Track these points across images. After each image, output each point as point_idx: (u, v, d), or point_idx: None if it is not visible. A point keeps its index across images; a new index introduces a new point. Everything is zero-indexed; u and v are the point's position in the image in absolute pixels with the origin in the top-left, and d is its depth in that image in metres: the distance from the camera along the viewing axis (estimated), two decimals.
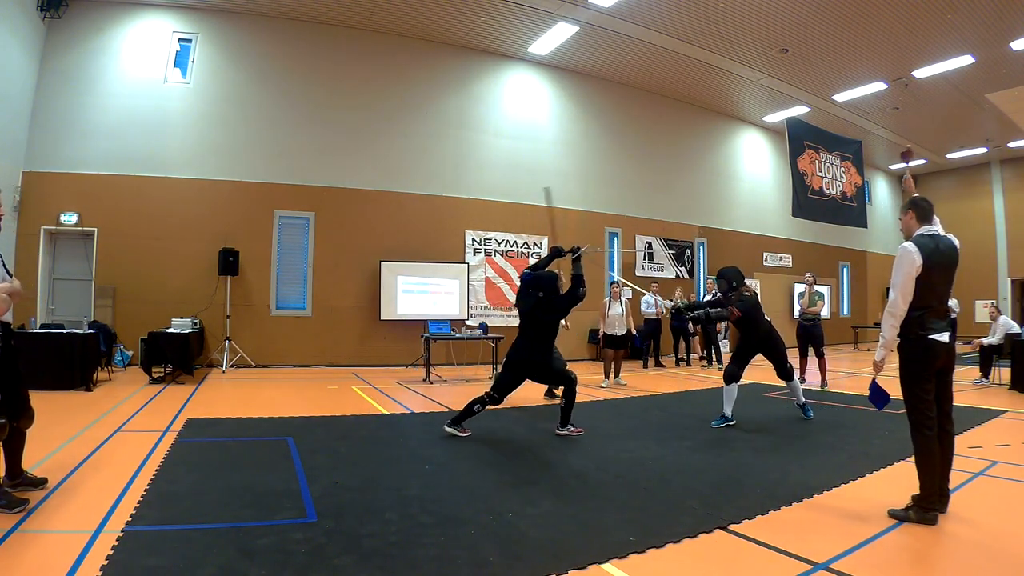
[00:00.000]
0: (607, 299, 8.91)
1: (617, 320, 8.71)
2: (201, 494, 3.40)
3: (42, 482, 3.41)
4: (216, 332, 9.96)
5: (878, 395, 3.43)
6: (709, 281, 12.85)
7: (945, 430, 3.21)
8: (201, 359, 9.59)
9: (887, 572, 2.61)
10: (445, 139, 12.20)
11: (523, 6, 10.81)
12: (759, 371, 11.62)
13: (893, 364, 3.32)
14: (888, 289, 3.23)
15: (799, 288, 16.99)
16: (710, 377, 10.19)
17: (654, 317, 11.57)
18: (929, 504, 3.10)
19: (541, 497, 3.48)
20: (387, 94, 11.69)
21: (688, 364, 12.21)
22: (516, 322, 12.87)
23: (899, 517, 3.15)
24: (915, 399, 3.17)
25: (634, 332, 9.22)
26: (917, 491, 3.14)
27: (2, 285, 3.14)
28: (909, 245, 3.19)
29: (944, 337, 3.18)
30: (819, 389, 8.25)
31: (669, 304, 9.50)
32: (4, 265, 3.33)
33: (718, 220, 16.22)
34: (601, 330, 8.93)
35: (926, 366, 3.16)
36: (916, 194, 3.58)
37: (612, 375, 8.85)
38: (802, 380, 8.28)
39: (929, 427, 3.13)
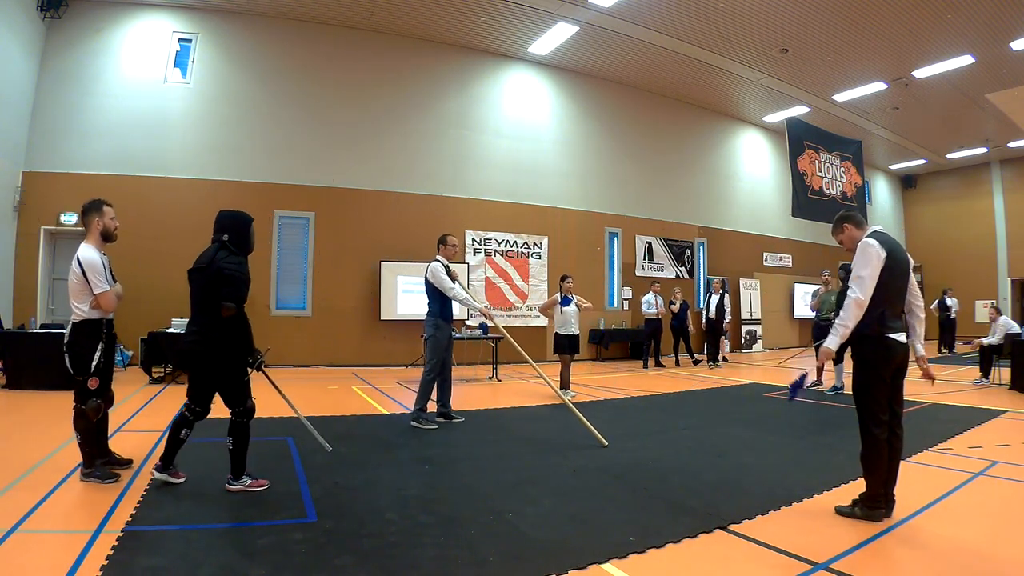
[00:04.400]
0: (558, 294, 7.70)
1: (573, 317, 7.61)
2: (201, 494, 3.40)
3: (127, 463, 3.90)
4: None
5: (799, 386, 3.69)
6: (716, 281, 12.82)
7: (895, 434, 3.18)
8: None
9: (887, 572, 2.61)
10: (445, 139, 12.20)
11: (523, 6, 10.81)
12: (760, 371, 11.66)
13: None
14: (848, 284, 3.22)
15: (810, 288, 16.99)
16: (710, 377, 10.19)
17: (655, 317, 11.56)
18: (875, 503, 3.10)
19: (541, 497, 3.48)
20: (387, 94, 11.70)
21: (695, 363, 12.19)
22: (516, 322, 12.86)
23: (845, 513, 3.17)
24: (867, 399, 3.15)
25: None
26: (878, 490, 3.13)
27: (116, 287, 3.82)
28: (870, 239, 3.18)
29: (902, 337, 3.16)
30: (827, 391, 8.11)
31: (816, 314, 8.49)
32: (111, 271, 3.84)
33: (718, 220, 16.23)
34: (553, 330, 7.74)
35: (884, 366, 3.13)
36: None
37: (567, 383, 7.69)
38: (818, 383, 8.28)
39: (879, 429, 3.11)
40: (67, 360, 3.61)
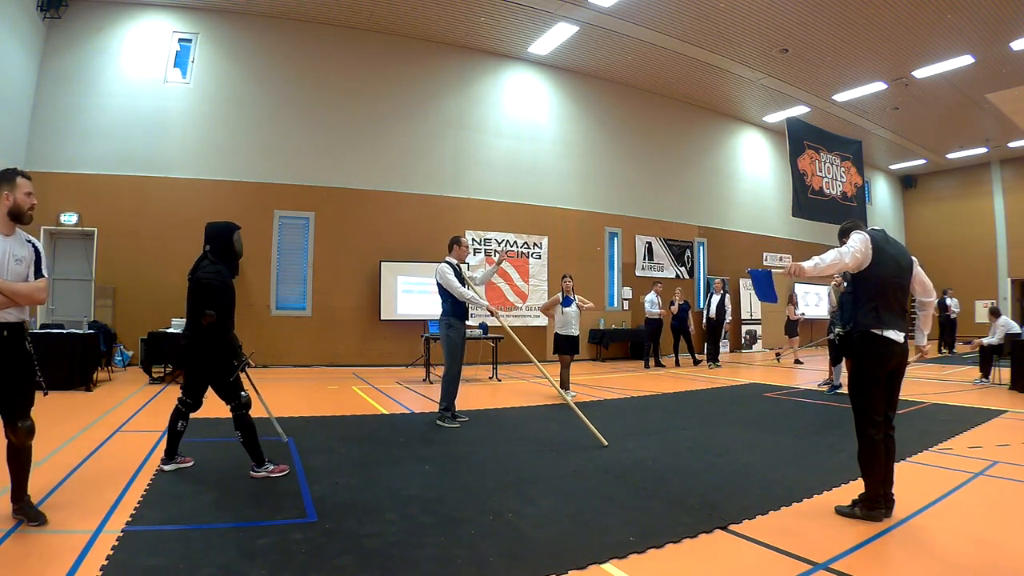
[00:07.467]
0: (559, 294, 7.69)
1: (574, 318, 7.56)
2: (201, 494, 3.40)
3: (40, 519, 2.84)
4: None
5: (763, 280, 3.46)
6: (718, 282, 12.81)
7: (888, 435, 3.18)
8: None
9: (887, 572, 2.61)
10: (445, 139, 12.20)
11: (523, 6, 10.81)
12: (759, 371, 11.66)
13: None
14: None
15: (810, 288, 16.98)
16: (710, 377, 10.19)
17: (657, 317, 11.56)
18: (874, 503, 3.10)
19: (541, 497, 3.48)
20: (387, 94, 11.69)
21: (695, 363, 12.18)
22: (516, 322, 12.88)
23: (845, 514, 3.17)
24: (864, 400, 3.15)
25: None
26: (877, 491, 3.13)
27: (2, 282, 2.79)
28: (859, 232, 3.22)
29: (899, 336, 3.13)
30: (827, 391, 8.16)
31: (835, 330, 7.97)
32: (38, 265, 3.02)
33: (718, 220, 16.23)
34: (553, 330, 7.81)
35: (880, 365, 3.12)
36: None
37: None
38: (829, 382, 8.38)
39: (875, 430, 3.11)
40: None
